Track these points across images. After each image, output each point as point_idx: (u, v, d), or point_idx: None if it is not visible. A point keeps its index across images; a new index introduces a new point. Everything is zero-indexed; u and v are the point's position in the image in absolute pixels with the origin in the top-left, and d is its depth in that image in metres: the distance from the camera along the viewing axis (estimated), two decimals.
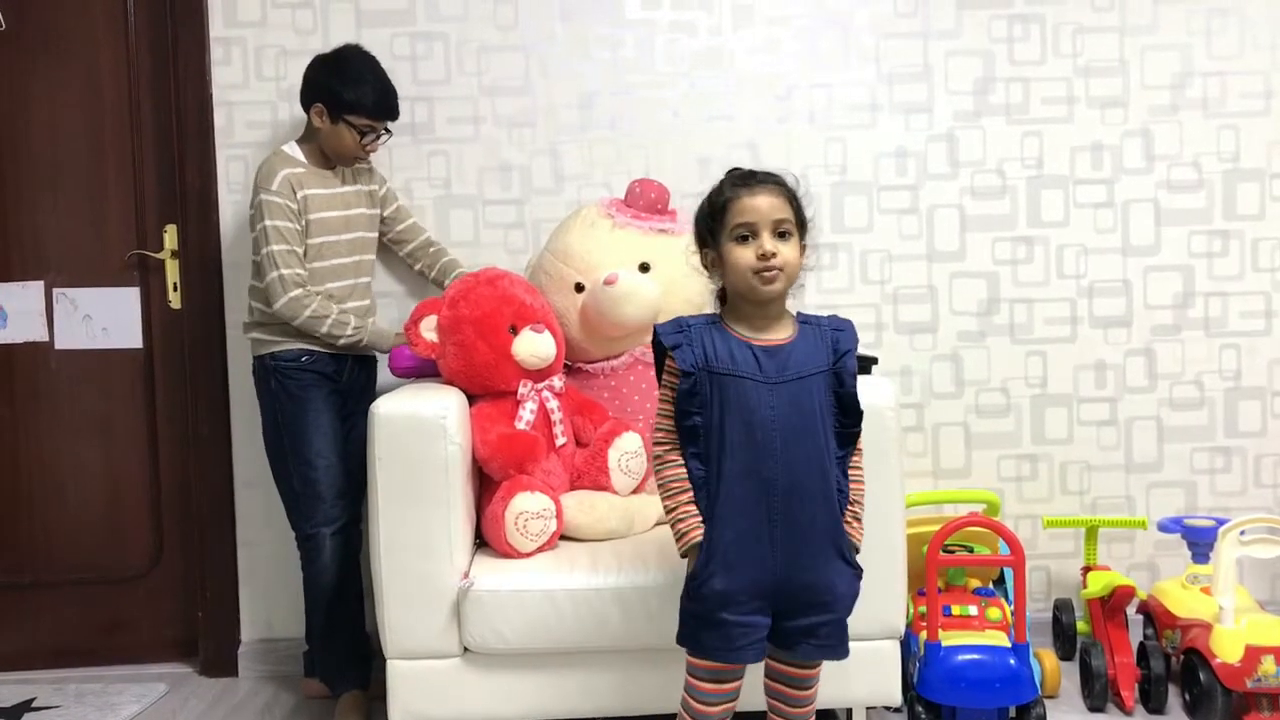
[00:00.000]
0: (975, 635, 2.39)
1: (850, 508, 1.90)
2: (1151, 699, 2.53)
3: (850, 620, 2.21)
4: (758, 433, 1.82)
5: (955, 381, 3.02)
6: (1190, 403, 3.03)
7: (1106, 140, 2.99)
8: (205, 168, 2.92)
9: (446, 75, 2.94)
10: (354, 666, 2.65)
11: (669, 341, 1.87)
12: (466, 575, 2.25)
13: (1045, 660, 2.61)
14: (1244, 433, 3.04)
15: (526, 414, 2.46)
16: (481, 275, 2.56)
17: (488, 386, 2.48)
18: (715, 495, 1.84)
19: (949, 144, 2.99)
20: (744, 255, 1.84)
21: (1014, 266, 3.01)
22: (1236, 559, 2.48)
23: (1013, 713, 2.38)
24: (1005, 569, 2.67)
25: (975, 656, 2.34)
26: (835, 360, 1.88)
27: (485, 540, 2.41)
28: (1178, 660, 2.57)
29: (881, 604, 2.23)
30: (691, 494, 1.86)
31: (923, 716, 2.39)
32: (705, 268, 1.94)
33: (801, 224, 1.90)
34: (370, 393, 2.76)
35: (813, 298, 2.97)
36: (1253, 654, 2.36)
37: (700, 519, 1.85)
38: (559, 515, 2.38)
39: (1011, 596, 2.52)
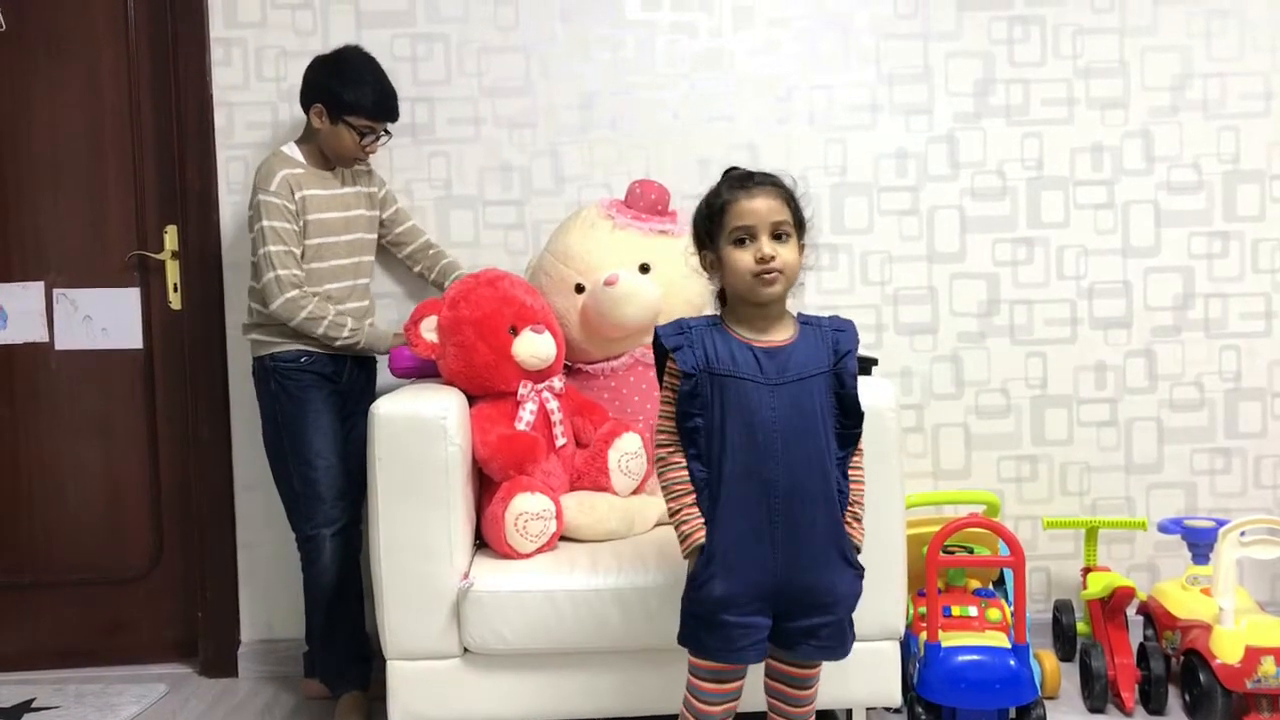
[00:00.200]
0: (975, 636, 2.39)
1: (850, 508, 1.90)
2: (1151, 700, 2.53)
3: (850, 629, 2.22)
4: (759, 434, 1.82)
5: (955, 382, 3.02)
6: (1190, 404, 3.03)
7: (1106, 141, 2.99)
8: (205, 168, 2.92)
9: (447, 76, 2.94)
10: (354, 667, 2.65)
11: (670, 343, 1.87)
12: (466, 576, 2.24)
13: (1045, 661, 2.61)
14: (1244, 434, 3.04)
15: (526, 415, 2.46)
16: (482, 276, 2.56)
17: (488, 387, 2.48)
18: (716, 497, 1.84)
19: (949, 145, 2.99)
20: (742, 258, 1.84)
21: (1014, 268, 3.01)
22: (1236, 560, 2.48)
23: (1013, 714, 2.38)
24: (1005, 570, 2.67)
25: (975, 657, 2.34)
26: (836, 361, 1.88)
27: (485, 541, 2.41)
28: (1178, 661, 2.57)
29: (881, 605, 2.23)
30: (694, 496, 1.86)
31: (922, 717, 2.39)
32: (704, 270, 1.94)
33: (800, 224, 1.90)
34: (370, 394, 2.76)
35: (813, 298, 2.98)
36: (1253, 655, 2.36)
37: (703, 520, 1.85)
38: (559, 516, 2.38)
39: (1011, 597, 2.52)
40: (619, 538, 2.45)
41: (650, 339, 1.97)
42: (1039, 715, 2.35)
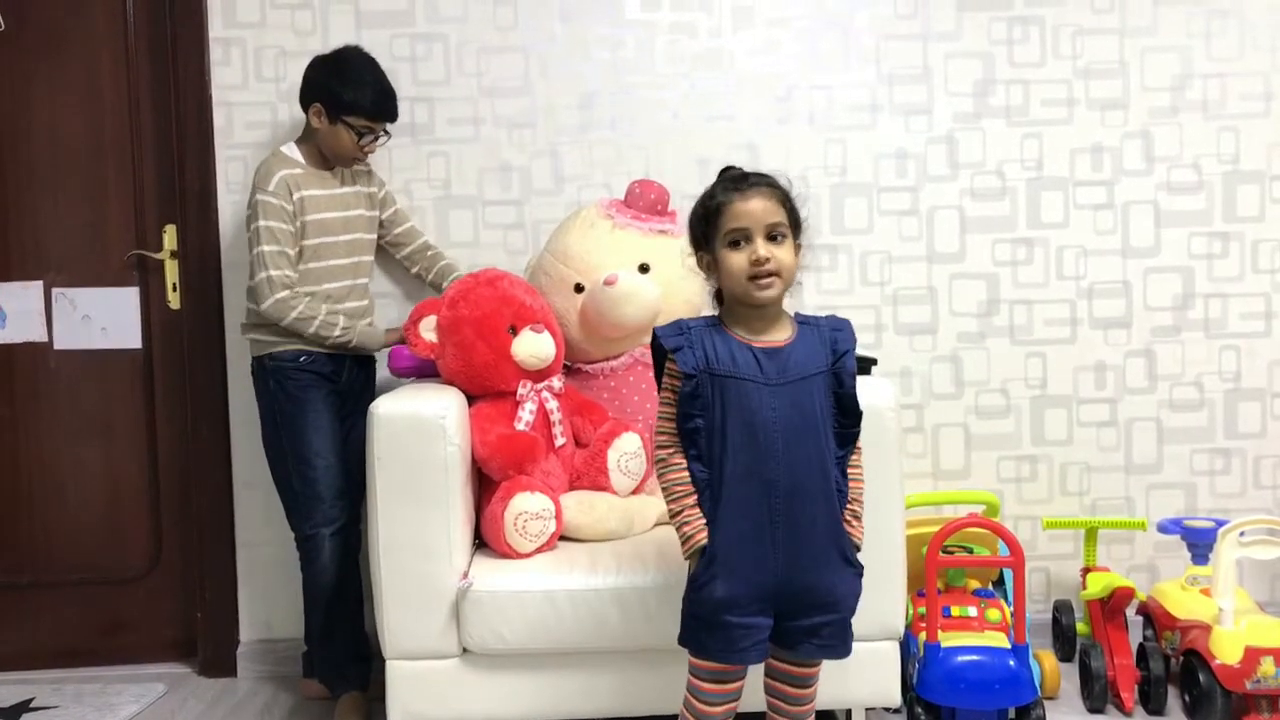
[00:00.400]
0: (975, 636, 2.39)
1: (850, 506, 1.90)
2: (1151, 700, 2.53)
3: (851, 627, 2.22)
4: (759, 434, 1.82)
5: (955, 382, 3.02)
6: (1190, 404, 3.03)
7: (1106, 142, 2.99)
8: (205, 168, 2.92)
9: (446, 76, 2.94)
10: (353, 667, 2.65)
11: (670, 344, 1.86)
12: (466, 576, 2.24)
13: (1045, 661, 2.61)
14: (1243, 434, 3.04)
15: (526, 414, 2.46)
16: (481, 276, 2.56)
17: (487, 387, 2.48)
18: (717, 497, 1.84)
19: (949, 145, 2.99)
20: (738, 260, 1.84)
21: (1014, 268, 3.01)
22: (1236, 560, 2.48)
23: (1012, 714, 2.38)
24: (1005, 570, 2.67)
25: (975, 658, 2.34)
26: (834, 360, 1.88)
27: (484, 541, 2.41)
28: (1177, 661, 2.57)
29: (881, 605, 2.23)
30: (694, 498, 1.86)
31: (922, 717, 2.39)
32: (701, 271, 1.94)
33: (796, 225, 1.89)
34: (369, 393, 2.76)
35: (812, 299, 2.98)
36: (1252, 655, 2.36)
37: (704, 522, 1.84)
38: (558, 516, 2.38)
39: (1011, 598, 2.52)
40: (618, 538, 2.45)
41: (650, 339, 1.97)
42: (1038, 715, 2.35)
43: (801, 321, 1.92)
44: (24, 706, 2.77)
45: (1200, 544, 2.68)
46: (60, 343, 3.01)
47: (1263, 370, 3.03)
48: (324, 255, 2.65)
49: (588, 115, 2.95)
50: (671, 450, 1.88)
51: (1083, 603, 2.78)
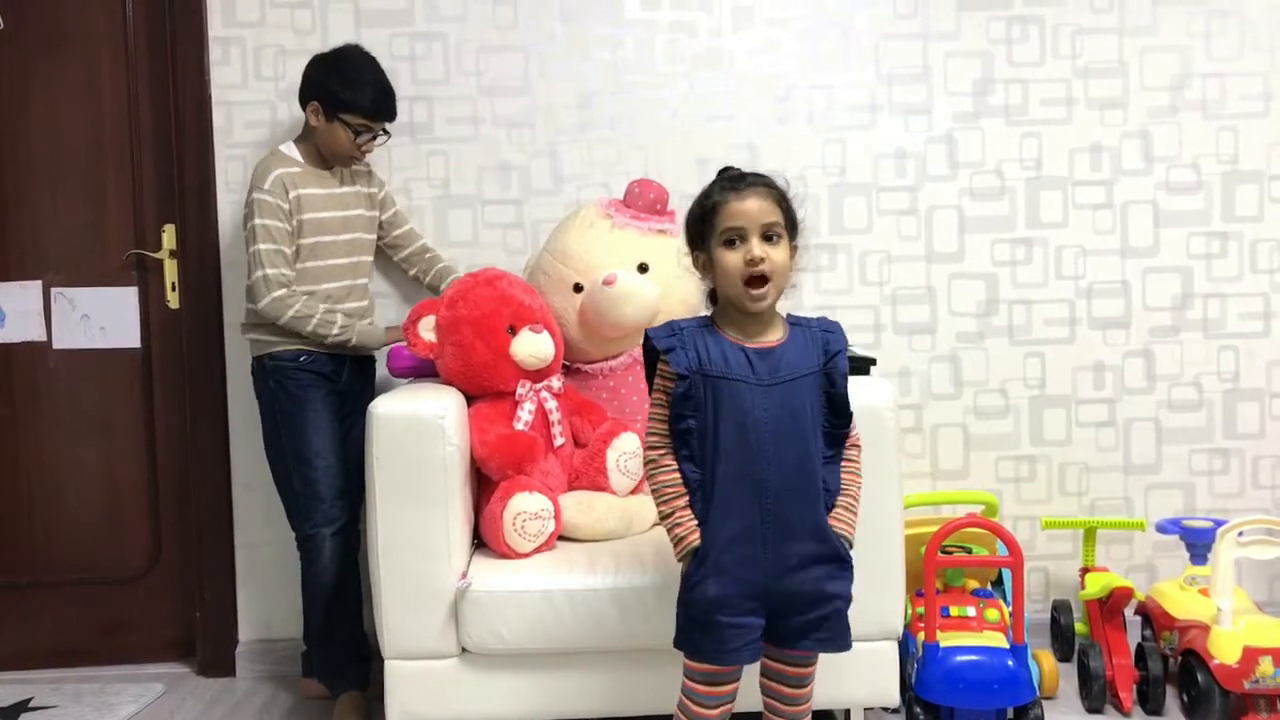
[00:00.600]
0: (973, 636, 2.39)
1: (843, 498, 1.90)
2: (1149, 700, 2.53)
3: (849, 621, 2.22)
4: (750, 435, 1.82)
5: (954, 382, 3.02)
6: (1189, 404, 3.03)
7: (1105, 141, 2.99)
8: (204, 167, 2.92)
9: (445, 75, 2.94)
10: (352, 667, 2.65)
11: (663, 345, 1.86)
12: (464, 576, 2.24)
13: (1043, 661, 2.61)
14: (1242, 434, 3.04)
15: (525, 414, 2.46)
16: (480, 275, 2.56)
17: (486, 387, 2.48)
18: (709, 498, 1.84)
19: (948, 145, 2.99)
20: (732, 260, 1.84)
21: (1013, 268, 3.01)
22: (1235, 560, 2.48)
23: (1010, 714, 2.38)
24: (1003, 570, 2.67)
25: (973, 658, 2.34)
26: (826, 361, 1.89)
27: (483, 541, 2.41)
28: (1176, 661, 2.57)
29: (879, 605, 2.23)
30: (686, 499, 1.86)
31: (921, 717, 2.39)
32: (697, 270, 1.94)
33: (792, 226, 1.89)
34: (369, 394, 2.76)
35: (811, 298, 2.98)
36: (1250, 655, 2.36)
37: (696, 523, 1.85)
38: (557, 516, 2.38)
39: (1010, 597, 2.52)
40: (617, 537, 2.45)
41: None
42: (1037, 715, 2.36)
43: (793, 323, 1.93)
44: (23, 706, 2.77)
45: (1199, 544, 2.68)
46: (59, 342, 3.01)
47: (1261, 370, 3.03)
48: (322, 254, 2.65)
49: (587, 115, 2.95)
50: (662, 451, 1.88)
51: (1081, 603, 2.78)
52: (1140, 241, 3.01)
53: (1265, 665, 2.35)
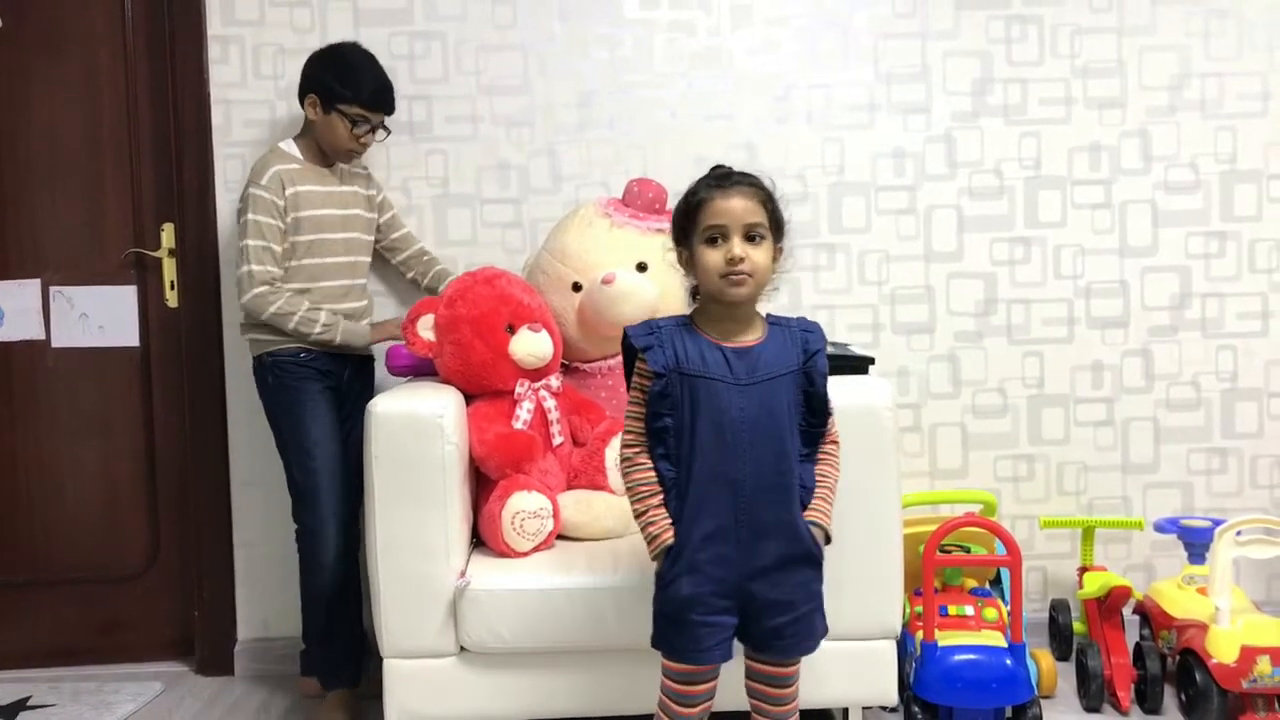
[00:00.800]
0: (971, 635, 2.39)
1: (819, 489, 1.90)
2: (1147, 699, 2.53)
3: (847, 620, 2.22)
4: (727, 434, 1.82)
5: (952, 382, 3.02)
6: (1187, 403, 3.03)
7: (1104, 141, 3.00)
8: (203, 166, 2.92)
9: (444, 74, 2.94)
10: (348, 664, 2.65)
11: (640, 343, 1.87)
12: (463, 575, 2.24)
13: (1041, 660, 2.61)
14: (1240, 434, 3.04)
15: (523, 413, 2.46)
16: (479, 274, 2.56)
17: (485, 386, 2.48)
18: (684, 496, 1.85)
19: (947, 144, 2.99)
20: (713, 257, 1.84)
21: (1011, 267, 3.01)
22: (1233, 560, 2.48)
23: (1009, 713, 2.38)
24: (1002, 569, 2.67)
25: (971, 657, 2.34)
26: (805, 360, 1.89)
27: (482, 540, 2.41)
28: (1174, 661, 2.58)
29: (878, 604, 2.24)
30: (661, 497, 1.86)
31: (919, 716, 2.39)
32: (681, 266, 1.94)
33: (777, 227, 1.89)
34: (369, 394, 2.75)
35: (810, 298, 2.98)
36: (1248, 654, 2.36)
37: (670, 521, 1.85)
38: (556, 515, 2.38)
39: (1008, 597, 2.52)
40: (616, 536, 2.45)
41: None
42: (1035, 714, 2.36)
43: (773, 322, 1.93)
44: (21, 705, 2.77)
45: (1197, 543, 2.68)
46: (58, 341, 3.01)
47: (1259, 370, 3.03)
48: (319, 252, 2.64)
49: (586, 114, 2.95)
50: (638, 450, 1.89)
51: (1080, 602, 2.78)
52: (1139, 241, 3.01)
53: (1263, 664, 2.35)
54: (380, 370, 2.82)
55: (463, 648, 2.24)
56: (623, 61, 2.95)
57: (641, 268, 2.63)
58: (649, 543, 1.87)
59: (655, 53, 2.95)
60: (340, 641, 2.65)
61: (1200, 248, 3.02)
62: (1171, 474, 3.04)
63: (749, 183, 1.87)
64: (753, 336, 1.89)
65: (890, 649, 2.28)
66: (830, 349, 2.50)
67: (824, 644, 2.22)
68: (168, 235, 2.98)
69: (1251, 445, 3.04)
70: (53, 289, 3.00)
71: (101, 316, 3.01)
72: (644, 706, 2.24)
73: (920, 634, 2.42)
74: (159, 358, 3.02)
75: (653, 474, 1.87)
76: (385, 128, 2.70)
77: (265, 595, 2.98)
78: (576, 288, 2.65)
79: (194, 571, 3.01)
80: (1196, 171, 3.00)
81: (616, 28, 2.95)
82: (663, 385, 1.84)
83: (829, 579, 2.22)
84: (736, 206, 1.84)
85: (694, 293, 1.94)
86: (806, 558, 1.87)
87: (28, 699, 2.81)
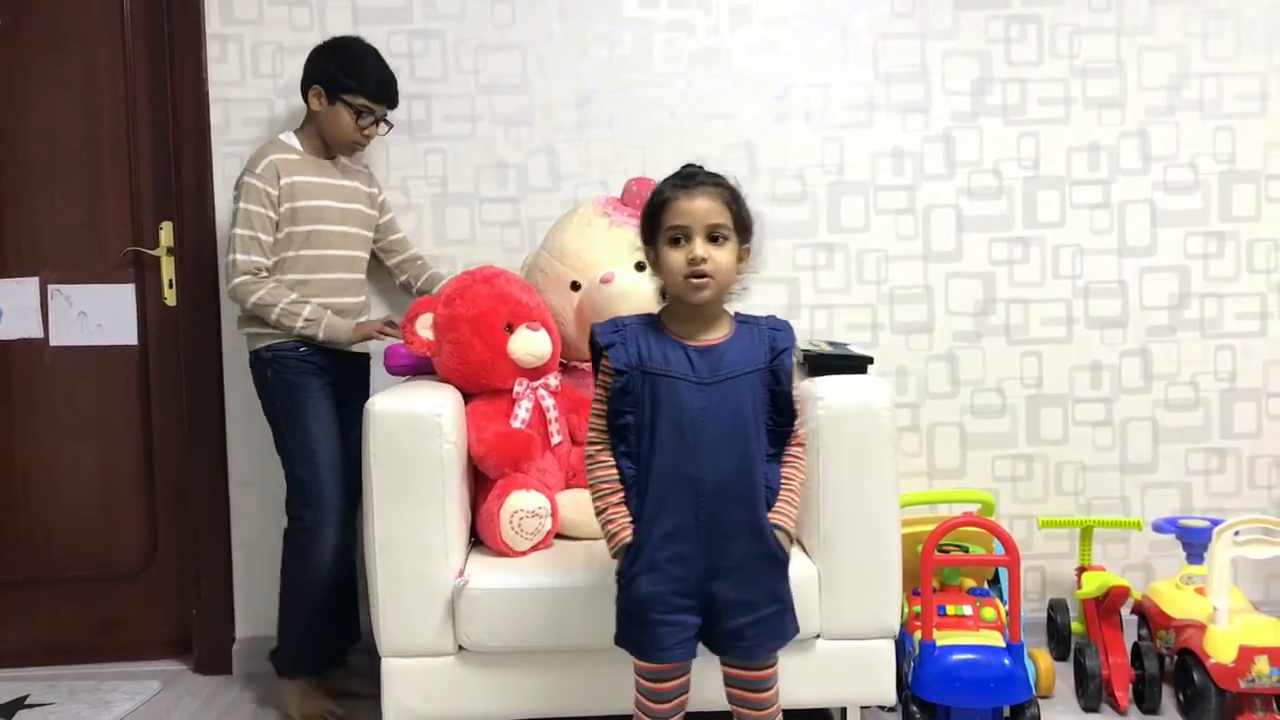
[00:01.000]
0: (970, 635, 2.39)
1: (784, 492, 1.89)
2: (1145, 699, 2.54)
3: (845, 619, 2.22)
4: (686, 433, 1.82)
5: (951, 381, 3.02)
6: (1185, 404, 3.04)
7: (1103, 141, 3.00)
8: (201, 164, 2.92)
9: (444, 73, 2.94)
10: (321, 656, 2.67)
11: (603, 340, 1.87)
12: (461, 574, 2.24)
13: (1040, 660, 2.61)
14: (1239, 434, 3.04)
15: (522, 412, 2.46)
16: (478, 273, 2.56)
17: (483, 384, 2.48)
18: (644, 494, 1.85)
19: (946, 144, 2.99)
20: (676, 258, 1.83)
21: (1010, 267, 3.01)
22: (1231, 560, 2.48)
23: (1007, 713, 2.38)
24: (1000, 569, 2.67)
25: (970, 656, 2.34)
26: (772, 359, 1.88)
27: (480, 539, 2.41)
28: (1172, 661, 2.58)
29: (876, 603, 2.24)
30: (621, 495, 1.87)
31: (917, 716, 2.39)
32: (650, 264, 1.93)
33: (743, 228, 1.88)
34: (364, 395, 2.75)
35: (809, 297, 2.98)
36: (1246, 654, 2.36)
37: (630, 519, 1.85)
38: (554, 514, 2.38)
39: (1006, 596, 2.52)
40: None
41: None
42: (1033, 714, 2.36)
43: (741, 321, 1.92)
44: (19, 703, 2.77)
45: (1195, 543, 2.68)
46: (56, 339, 3.01)
47: (1258, 370, 3.03)
48: (318, 244, 2.63)
49: (585, 113, 2.95)
50: (600, 447, 1.89)
51: (1078, 602, 2.78)
52: (1137, 241, 3.01)
53: (1261, 664, 2.35)
54: (376, 370, 2.81)
55: (461, 647, 2.24)
56: (622, 60, 2.95)
57: (640, 267, 2.62)
58: (608, 540, 1.87)
59: (654, 52, 2.95)
60: (320, 637, 2.65)
61: (1199, 248, 3.02)
62: (1170, 474, 3.04)
63: (713, 183, 1.86)
64: (718, 335, 1.88)
65: (888, 648, 2.28)
66: (829, 348, 2.52)
67: (822, 643, 2.25)
68: (166, 234, 2.98)
69: (1250, 445, 3.04)
70: (51, 287, 3.00)
71: (100, 315, 3.01)
72: None
73: (918, 633, 2.42)
74: (157, 356, 3.02)
75: (614, 471, 1.87)
76: (388, 121, 2.70)
77: (263, 594, 2.97)
78: (575, 287, 2.65)
79: (192, 570, 3.01)
80: (1195, 171, 3.00)
81: (615, 27, 2.95)
82: (624, 382, 1.84)
83: (828, 579, 2.24)
84: (699, 207, 1.83)
85: (663, 292, 1.93)
86: (769, 558, 1.85)
87: (26, 697, 2.81)
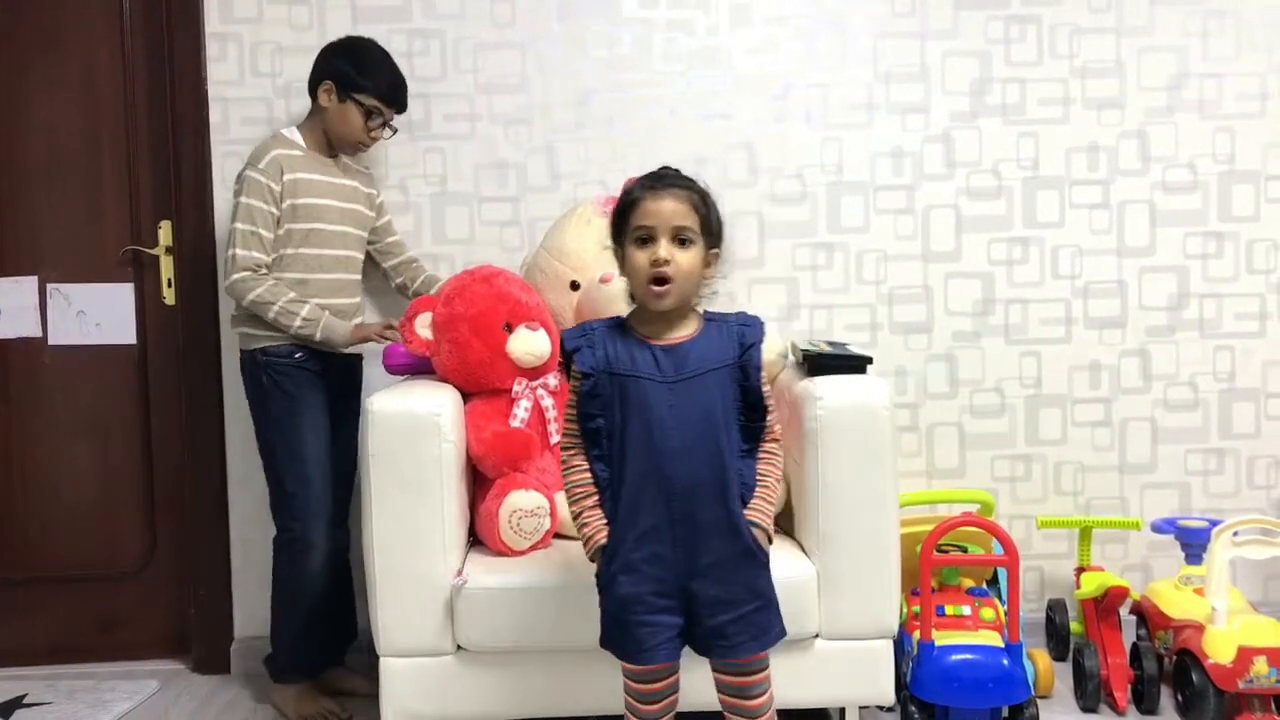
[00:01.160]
0: (969, 635, 2.39)
1: (759, 489, 1.88)
2: (1144, 699, 2.54)
3: (844, 619, 2.22)
4: (655, 432, 1.82)
5: (950, 382, 3.02)
6: (1184, 404, 3.03)
7: (1102, 141, 3.00)
8: (200, 164, 2.92)
9: (443, 72, 2.93)
10: (316, 662, 2.67)
11: (570, 345, 1.88)
12: (460, 573, 2.24)
13: (1038, 660, 2.61)
14: (1238, 434, 3.04)
15: (521, 412, 2.46)
16: (477, 273, 2.56)
17: (482, 384, 2.48)
18: (618, 496, 1.85)
19: (945, 144, 2.99)
20: (640, 259, 1.83)
21: (1009, 267, 3.01)
22: (1229, 560, 2.48)
23: (1005, 713, 2.38)
24: (999, 569, 2.67)
25: (968, 656, 2.34)
26: (741, 354, 1.87)
27: (479, 538, 2.41)
28: (1170, 661, 2.58)
29: (875, 603, 2.24)
30: (595, 498, 1.87)
31: (916, 716, 2.39)
32: (617, 263, 1.93)
33: (711, 232, 1.88)
34: (356, 394, 2.76)
35: (809, 297, 2.98)
36: (1245, 655, 2.36)
37: (604, 521, 1.85)
38: (553, 513, 2.38)
39: (1005, 596, 2.52)
40: None
41: None
42: (1032, 714, 2.36)
43: (710, 319, 1.91)
44: (17, 703, 2.77)
45: (1194, 544, 2.68)
46: (55, 338, 3.01)
47: (1257, 370, 3.03)
48: (317, 243, 2.62)
49: (584, 112, 2.95)
50: (573, 452, 1.89)
51: (1077, 602, 2.78)
52: (1136, 241, 3.01)
53: (1260, 665, 2.35)
54: (368, 371, 2.80)
55: (460, 646, 2.24)
56: (621, 60, 2.95)
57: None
58: (584, 544, 1.88)
59: (654, 51, 2.95)
60: (313, 641, 2.65)
61: (1198, 248, 3.02)
62: (1169, 474, 3.04)
63: (682, 185, 1.87)
64: (684, 333, 1.88)
65: (887, 648, 2.28)
66: (828, 348, 2.51)
67: (821, 643, 2.25)
68: (165, 233, 2.98)
69: (1249, 446, 3.04)
70: (50, 286, 3.00)
71: (98, 314, 3.00)
72: None
73: (917, 634, 2.42)
74: (156, 355, 3.02)
75: (587, 475, 1.88)
76: (392, 126, 2.70)
77: (262, 594, 2.95)
78: (574, 286, 2.65)
79: (190, 569, 3.01)
80: (1194, 172, 3.00)
81: (615, 26, 2.95)
82: (591, 385, 1.84)
83: (826, 578, 2.24)
84: (666, 208, 1.83)
85: (632, 294, 1.93)
86: (747, 554, 1.84)
87: (24, 697, 2.81)
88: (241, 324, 2.65)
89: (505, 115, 2.95)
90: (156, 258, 2.99)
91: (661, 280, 1.81)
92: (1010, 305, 3.01)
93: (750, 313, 1.94)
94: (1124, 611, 2.74)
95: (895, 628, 2.28)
